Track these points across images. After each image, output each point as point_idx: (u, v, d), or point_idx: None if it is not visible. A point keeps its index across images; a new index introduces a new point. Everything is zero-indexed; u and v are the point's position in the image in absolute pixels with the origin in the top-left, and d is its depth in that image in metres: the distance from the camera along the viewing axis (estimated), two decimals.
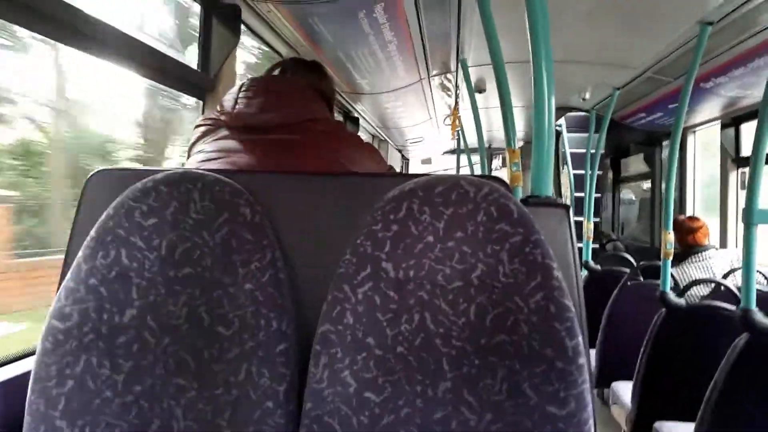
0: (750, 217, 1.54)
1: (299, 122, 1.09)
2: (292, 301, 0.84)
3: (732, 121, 3.34)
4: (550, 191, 0.89)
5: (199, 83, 1.75)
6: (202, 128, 1.15)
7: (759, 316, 1.55)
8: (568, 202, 4.80)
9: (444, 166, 7.65)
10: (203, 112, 1.78)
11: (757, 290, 2.27)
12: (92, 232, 0.86)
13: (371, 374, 0.75)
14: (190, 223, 0.84)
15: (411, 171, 7.73)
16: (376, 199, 0.82)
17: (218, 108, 1.14)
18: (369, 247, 0.79)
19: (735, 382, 1.56)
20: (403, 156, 7.27)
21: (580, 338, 0.73)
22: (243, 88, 1.12)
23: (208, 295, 0.82)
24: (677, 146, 2.29)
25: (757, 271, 2.40)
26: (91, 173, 0.97)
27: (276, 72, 1.29)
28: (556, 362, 0.71)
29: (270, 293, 0.80)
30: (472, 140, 4.71)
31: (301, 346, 0.80)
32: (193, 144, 1.15)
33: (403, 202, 0.79)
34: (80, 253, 0.85)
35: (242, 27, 1.93)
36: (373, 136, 5.37)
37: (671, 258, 2.26)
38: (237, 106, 1.10)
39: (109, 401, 0.79)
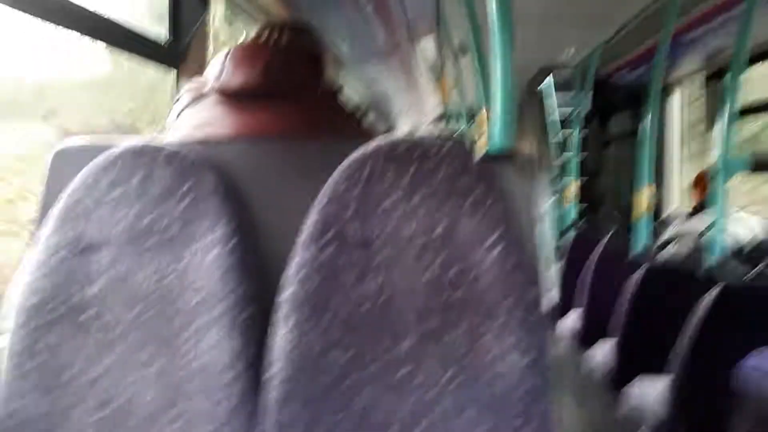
0: (723, 167, 1.56)
1: (288, 90, 1.07)
2: (258, 267, 0.85)
3: (715, 74, 3.33)
4: (511, 145, 0.89)
5: (171, 52, 1.72)
6: (187, 97, 1.13)
7: (728, 269, 1.58)
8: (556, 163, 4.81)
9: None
10: (177, 81, 1.76)
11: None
12: (57, 207, 0.85)
13: (336, 335, 0.76)
14: (155, 193, 0.84)
15: None
16: (341, 162, 0.82)
17: (204, 75, 1.11)
18: (334, 208, 0.79)
19: (704, 336, 1.60)
20: (389, 126, 7.22)
21: (539, 288, 0.74)
22: (229, 55, 1.09)
23: (176, 264, 0.82)
24: (656, 101, 2.28)
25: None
26: (56, 149, 0.96)
27: (262, 37, 1.25)
28: (514, 312, 0.73)
29: (237, 258, 0.81)
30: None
31: (267, 310, 0.81)
32: (180, 112, 1.13)
33: (366, 162, 0.80)
34: (46, 229, 0.85)
35: None
36: (357, 106, 5.32)
37: (650, 213, 2.27)
38: (223, 75, 1.07)
39: (78, 375, 0.80)
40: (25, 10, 1.17)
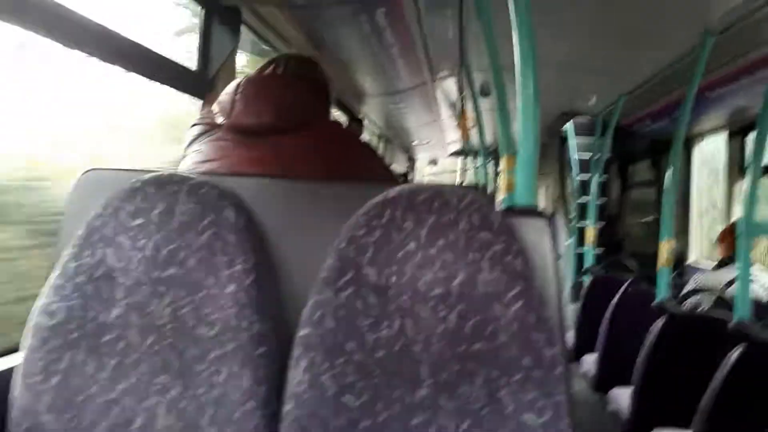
0: (746, 229, 1.54)
1: (296, 125, 1.08)
2: (275, 304, 0.84)
3: (739, 130, 3.32)
4: (533, 200, 0.89)
5: (199, 83, 1.76)
6: (199, 127, 1.14)
7: (754, 328, 1.54)
8: (572, 207, 4.78)
9: (452, 168, 7.67)
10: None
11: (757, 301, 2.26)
12: (80, 231, 0.86)
13: (350, 379, 0.75)
14: (176, 225, 0.84)
15: (417, 172, 7.77)
16: (360, 205, 0.82)
17: (215, 108, 1.13)
18: (352, 251, 0.79)
19: (729, 392, 1.55)
20: (409, 157, 7.27)
21: (559, 348, 0.73)
22: (239, 90, 1.11)
23: (192, 296, 0.82)
24: (678, 154, 2.27)
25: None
26: (81, 172, 0.97)
27: (269, 70, 1.26)
28: (534, 371, 0.71)
29: (253, 296, 0.81)
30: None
31: (282, 348, 0.80)
32: (190, 143, 1.15)
33: (386, 208, 0.79)
34: (68, 252, 0.86)
35: (244, 28, 1.94)
36: (379, 137, 5.38)
37: (671, 265, 2.24)
38: (234, 109, 1.09)
39: (93, 397, 0.80)
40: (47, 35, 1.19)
